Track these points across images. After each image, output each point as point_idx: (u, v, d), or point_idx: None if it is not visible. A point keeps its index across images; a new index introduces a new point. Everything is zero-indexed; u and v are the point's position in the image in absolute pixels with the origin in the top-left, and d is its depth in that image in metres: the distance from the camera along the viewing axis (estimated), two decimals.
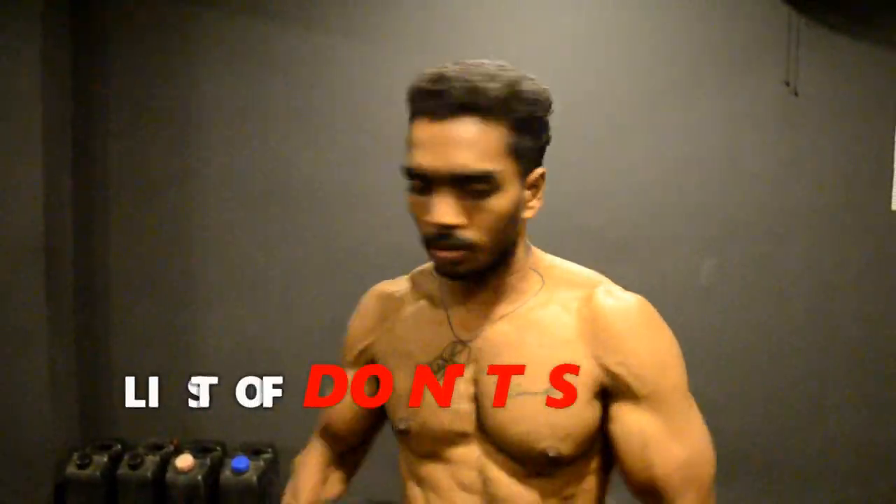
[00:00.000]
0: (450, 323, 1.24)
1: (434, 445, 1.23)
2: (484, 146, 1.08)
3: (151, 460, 3.26)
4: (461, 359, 1.21)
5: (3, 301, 3.29)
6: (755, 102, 3.31)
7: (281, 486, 3.40)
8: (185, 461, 3.22)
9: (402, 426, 1.26)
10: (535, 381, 1.15)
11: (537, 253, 1.26)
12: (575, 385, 1.16)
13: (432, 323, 1.26)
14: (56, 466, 3.31)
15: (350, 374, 1.42)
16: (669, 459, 1.17)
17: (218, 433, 3.46)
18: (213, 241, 3.49)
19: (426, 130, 1.09)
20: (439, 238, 1.11)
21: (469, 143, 1.07)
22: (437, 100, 1.08)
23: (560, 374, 1.15)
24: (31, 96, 3.24)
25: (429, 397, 1.22)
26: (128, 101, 3.48)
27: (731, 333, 3.41)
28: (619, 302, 1.19)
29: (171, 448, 3.35)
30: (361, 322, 1.40)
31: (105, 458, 3.27)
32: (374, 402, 1.39)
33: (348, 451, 1.49)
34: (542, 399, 1.15)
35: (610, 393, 1.18)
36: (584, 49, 3.35)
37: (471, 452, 1.21)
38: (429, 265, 1.33)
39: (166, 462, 3.26)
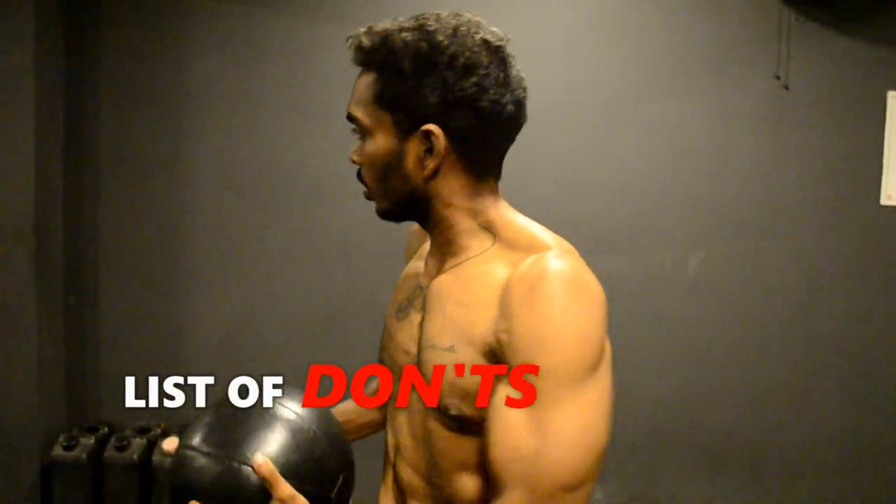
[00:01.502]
0: (425, 267, 1.29)
1: (395, 379, 1.28)
2: (359, 94, 1.18)
3: (138, 443, 3.27)
4: (417, 303, 1.24)
5: None
6: (746, 96, 3.33)
7: None
8: (171, 443, 3.19)
9: (378, 357, 1.33)
10: (443, 337, 1.13)
11: (502, 214, 1.21)
12: (471, 347, 1.10)
13: (417, 266, 1.34)
14: (42, 448, 3.31)
15: None
16: (510, 447, 1.03)
17: None
18: (202, 225, 3.49)
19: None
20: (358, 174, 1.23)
21: (356, 90, 1.19)
22: (353, 53, 1.19)
23: (461, 334, 1.12)
24: (22, 78, 3.23)
25: (394, 334, 1.28)
26: (120, 85, 3.48)
27: (717, 326, 3.43)
28: (537, 268, 1.07)
29: (158, 432, 3.35)
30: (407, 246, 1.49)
31: (91, 441, 3.27)
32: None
33: None
34: (446, 356, 1.12)
35: (496, 357, 1.08)
36: (575, 43, 3.36)
37: (418, 400, 1.20)
38: None
39: (153, 445, 3.27)
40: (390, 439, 1.30)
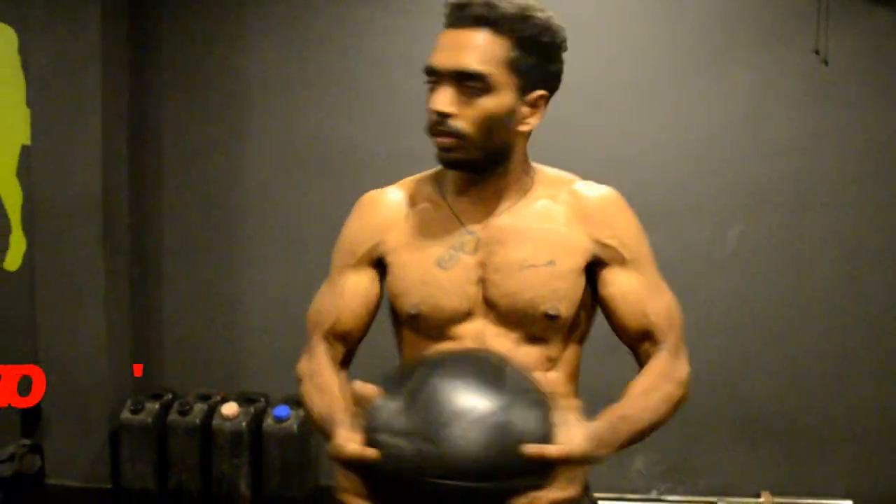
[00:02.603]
0: (458, 218, 1.43)
1: (442, 325, 1.41)
2: (487, 53, 1.31)
3: (199, 408, 3.46)
4: (469, 247, 1.41)
5: (62, 256, 3.50)
6: (785, 71, 3.37)
7: (320, 438, 3.58)
8: (230, 408, 3.40)
9: (413, 310, 1.42)
10: (538, 256, 1.39)
11: (531, 163, 1.49)
12: (572, 257, 1.40)
13: (440, 219, 1.44)
14: (111, 413, 3.52)
15: (352, 275, 1.49)
16: (659, 307, 1.44)
17: (262, 386, 3.63)
18: (259, 202, 3.66)
19: (446, 37, 1.35)
20: (437, 125, 1.33)
21: (475, 47, 1.31)
22: (460, 12, 1.33)
23: (561, 248, 1.40)
24: (89, 64, 3.43)
25: (442, 282, 1.40)
26: (180, 69, 3.66)
27: (756, 300, 3.48)
28: (600, 190, 1.48)
29: (219, 398, 3.53)
30: (363, 224, 1.51)
31: (156, 406, 3.48)
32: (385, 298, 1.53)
33: (349, 352, 1.52)
34: (546, 270, 1.38)
35: (602, 262, 1.43)
36: (615, 20, 3.44)
37: (473, 327, 1.40)
38: (421, 174, 1.54)
39: (213, 410, 3.46)
40: None
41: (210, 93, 3.65)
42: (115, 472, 3.50)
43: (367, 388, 1.15)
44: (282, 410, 3.39)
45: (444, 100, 1.32)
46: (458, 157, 1.36)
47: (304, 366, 1.48)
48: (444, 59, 1.32)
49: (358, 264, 1.49)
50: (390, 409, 1.09)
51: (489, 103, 1.33)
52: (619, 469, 3.58)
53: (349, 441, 1.11)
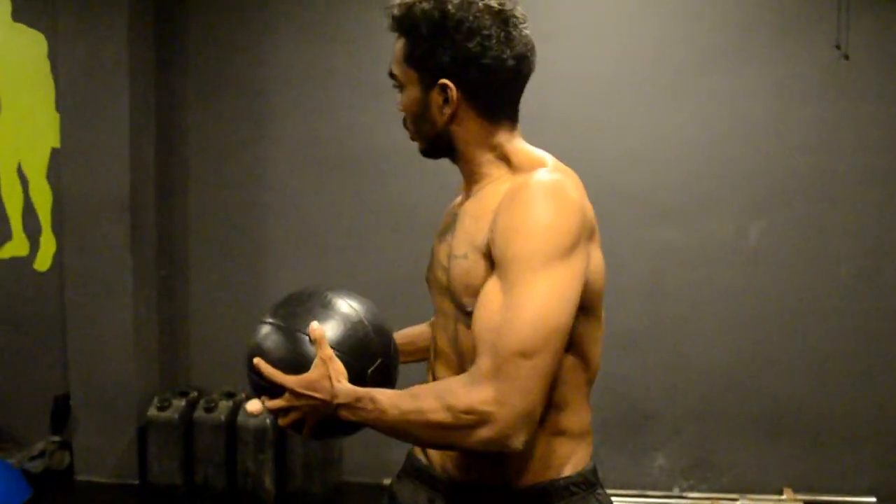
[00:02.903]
0: (459, 197, 1.50)
1: (434, 296, 1.48)
2: (395, 55, 1.41)
3: (225, 405, 3.51)
4: (452, 227, 1.44)
5: (92, 255, 3.57)
6: (806, 66, 3.37)
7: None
8: (255, 405, 3.39)
9: (425, 276, 1.54)
10: (461, 247, 1.35)
11: (515, 146, 1.40)
12: (476, 250, 1.31)
13: (457, 197, 1.53)
14: (139, 409, 3.58)
15: None
16: (486, 320, 1.22)
17: None
18: (283, 201, 3.71)
19: None
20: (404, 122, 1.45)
21: (394, 52, 1.42)
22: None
23: (470, 242, 1.33)
24: (117, 68, 3.51)
25: (432, 256, 1.49)
26: (205, 72, 3.72)
27: (779, 295, 3.48)
28: (524, 179, 1.29)
29: (243, 396, 3.58)
30: None
31: (183, 403, 3.53)
32: None
33: None
34: (462, 262, 1.33)
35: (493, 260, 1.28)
36: (636, 19, 3.45)
37: (440, 301, 1.44)
38: None
39: (238, 407, 3.51)
40: (431, 345, 1.50)
41: (234, 95, 3.71)
42: (143, 468, 3.55)
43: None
44: None
45: (397, 100, 1.45)
46: (421, 149, 1.47)
47: None
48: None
49: None
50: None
51: (404, 99, 1.43)
52: (640, 466, 3.59)
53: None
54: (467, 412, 1.18)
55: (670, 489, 3.57)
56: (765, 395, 3.52)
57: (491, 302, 1.23)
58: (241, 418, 3.46)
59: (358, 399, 1.27)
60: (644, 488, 3.56)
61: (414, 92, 1.40)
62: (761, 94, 3.41)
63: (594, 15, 3.45)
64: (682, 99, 3.46)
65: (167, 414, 3.49)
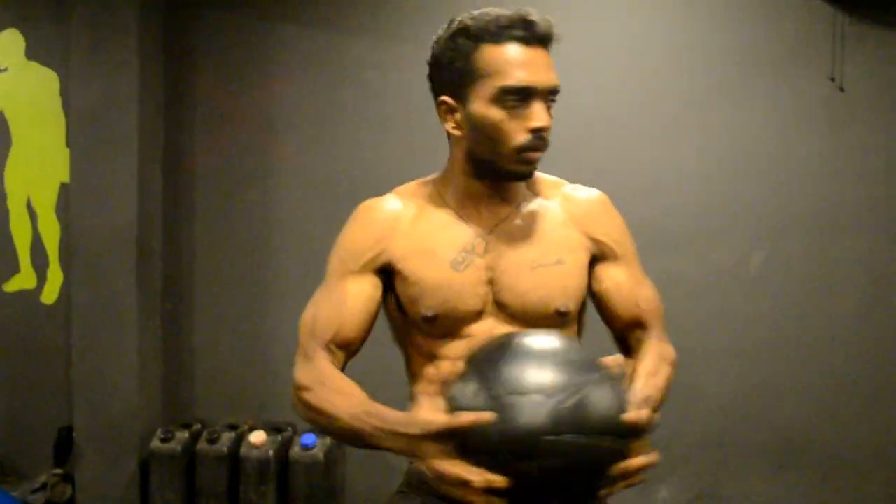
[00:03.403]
0: (466, 223, 1.50)
1: (455, 325, 1.47)
2: (553, 68, 1.45)
3: (228, 436, 3.51)
4: (480, 249, 1.48)
5: (98, 288, 3.60)
6: (802, 98, 3.43)
7: (346, 464, 3.61)
8: (258, 437, 3.45)
9: (429, 313, 1.46)
10: (547, 256, 1.47)
11: None
12: (575, 254, 1.51)
13: (449, 224, 1.50)
14: (141, 442, 3.58)
15: (354, 282, 1.51)
16: (647, 298, 1.58)
17: (290, 416, 3.67)
18: (289, 235, 3.75)
19: (521, 53, 1.39)
20: (536, 140, 1.40)
21: (552, 66, 1.44)
22: (528, 30, 1.39)
23: (566, 248, 1.50)
24: (127, 103, 3.57)
25: (455, 285, 1.46)
26: (213, 108, 3.80)
27: (782, 325, 3.48)
28: (590, 192, 1.60)
29: (246, 427, 3.58)
30: (366, 232, 1.54)
31: (186, 435, 3.53)
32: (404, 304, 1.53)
33: (346, 360, 1.53)
34: (555, 268, 1.48)
35: (597, 258, 1.55)
36: (638, 55, 3.52)
37: (484, 325, 1.47)
38: (414, 182, 1.60)
39: (241, 439, 3.50)
40: (430, 369, 1.50)
41: (240, 130, 3.78)
42: (145, 501, 3.54)
43: (444, 366, 1.25)
44: (308, 438, 3.43)
45: (546, 116, 1.42)
46: (533, 169, 1.48)
47: (304, 373, 1.44)
48: (541, 78, 1.40)
49: (361, 272, 1.51)
50: (468, 391, 1.14)
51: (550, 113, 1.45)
52: (642, 498, 3.55)
53: (439, 414, 1.15)
54: (675, 363, 1.56)
55: None
56: (772, 425, 3.50)
57: (633, 283, 1.57)
58: (243, 450, 3.44)
59: (654, 400, 1.40)
60: None
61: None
62: (760, 126, 3.46)
63: (596, 52, 3.52)
64: (684, 133, 3.51)
65: (170, 446, 3.49)
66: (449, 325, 1.47)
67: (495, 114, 1.39)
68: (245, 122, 3.78)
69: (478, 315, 1.47)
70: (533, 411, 1.09)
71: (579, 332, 1.60)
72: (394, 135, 3.66)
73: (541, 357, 1.16)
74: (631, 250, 1.59)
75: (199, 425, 3.61)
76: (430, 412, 1.16)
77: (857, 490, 3.45)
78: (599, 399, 1.13)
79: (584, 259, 1.52)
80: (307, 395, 1.41)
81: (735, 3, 3.46)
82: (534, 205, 1.53)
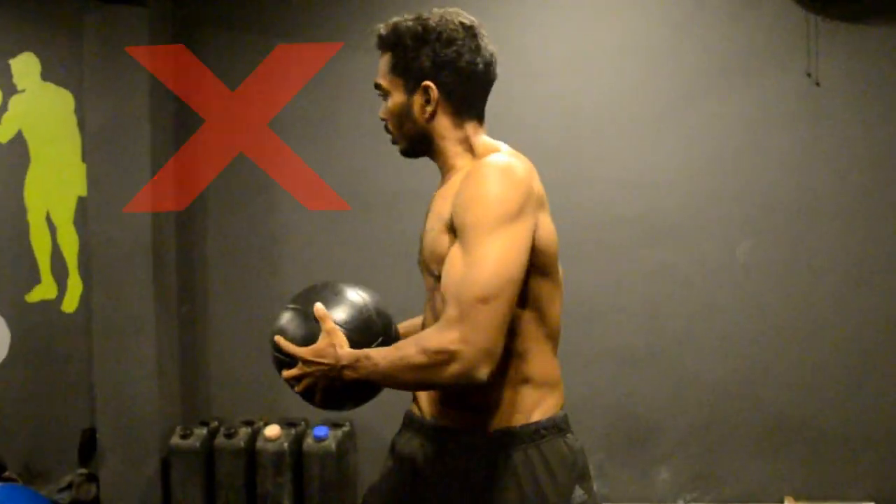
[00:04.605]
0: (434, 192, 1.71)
1: (423, 277, 1.70)
2: (381, 69, 1.69)
3: (244, 432, 3.67)
4: (428, 211, 1.69)
5: (117, 296, 3.78)
6: (779, 94, 3.61)
7: (357, 457, 3.76)
8: (272, 430, 3.61)
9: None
10: (431, 223, 1.62)
11: (480, 139, 1.68)
12: (442, 223, 1.57)
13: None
14: (162, 440, 3.74)
15: None
16: (451, 276, 1.47)
17: (302, 412, 3.83)
18: (296, 243, 3.93)
19: None
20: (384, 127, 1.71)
21: (379, 67, 1.69)
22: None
23: (437, 218, 1.60)
24: (140, 121, 3.76)
25: (419, 240, 1.70)
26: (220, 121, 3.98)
27: (770, 310, 3.65)
28: (482, 161, 1.56)
29: (262, 423, 3.74)
30: None
31: (204, 431, 3.70)
32: None
33: None
34: (430, 234, 1.60)
35: (455, 228, 1.54)
36: (622, 57, 3.71)
37: (429, 280, 1.65)
38: None
39: (257, 433, 3.67)
40: (423, 321, 1.77)
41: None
42: (167, 496, 3.70)
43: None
44: (321, 431, 3.59)
45: (381, 109, 1.71)
46: (402, 149, 1.73)
47: None
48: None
49: None
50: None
51: (390, 105, 1.68)
52: (645, 479, 3.71)
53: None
54: (438, 352, 1.41)
55: (675, 502, 3.69)
56: (763, 407, 3.66)
57: (454, 262, 1.47)
58: (259, 444, 3.61)
59: (357, 359, 1.53)
60: (649, 501, 3.68)
61: (399, 97, 1.66)
62: (741, 120, 3.64)
63: (583, 53, 3.71)
64: (669, 129, 3.69)
65: (189, 442, 3.65)
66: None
67: None
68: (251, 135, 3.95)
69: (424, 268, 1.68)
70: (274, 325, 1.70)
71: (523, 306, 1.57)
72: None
73: (321, 291, 1.70)
74: (469, 223, 1.46)
75: (217, 422, 3.78)
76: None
77: (846, 466, 3.61)
78: (287, 325, 1.66)
79: (441, 228, 1.55)
80: None
81: (712, 4, 3.64)
82: (458, 174, 1.61)
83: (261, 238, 3.97)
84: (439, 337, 1.42)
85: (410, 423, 1.77)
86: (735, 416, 3.67)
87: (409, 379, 1.48)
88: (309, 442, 3.60)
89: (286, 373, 1.62)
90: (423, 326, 1.73)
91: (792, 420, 3.64)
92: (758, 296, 3.65)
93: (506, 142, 1.69)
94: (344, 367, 1.54)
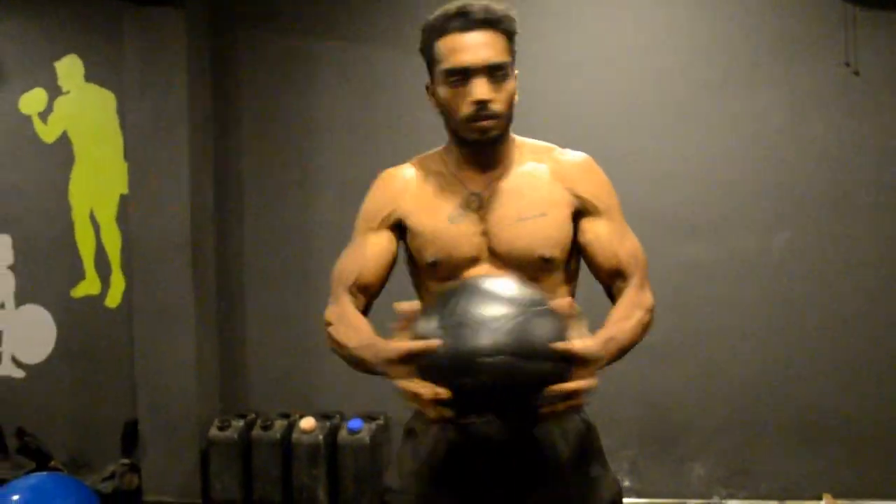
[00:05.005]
0: (463, 184, 1.73)
1: (454, 270, 1.68)
2: (499, 47, 1.63)
3: (280, 424, 3.74)
4: (474, 206, 1.70)
5: (157, 291, 3.87)
6: (817, 83, 3.55)
7: (390, 445, 3.80)
8: (308, 423, 3.67)
9: (431, 259, 1.70)
10: (532, 209, 1.67)
11: (520, 138, 1.77)
12: (560, 209, 1.69)
13: (449, 185, 1.74)
14: (201, 431, 3.83)
15: (372, 236, 1.78)
16: (627, 248, 1.70)
17: (337, 405, 3.90)
18: (329, 236, 3.96)
19: (458, 40, 1.62)
20: (480, 111, 1.61)
21: (492, 44, 1.62)
22: (464, 19, 1.61)
23: (550, 203, 1.68)
24: (178, 119, 3.85)
25: (453, 235, 1.69)
26: (258, 120, 4.05)
27: (806, 304, 3.59)
28: (576, 155, 1.75)
29: (298, 416, 3.80)
30: (382, 195, 1.81)
31: (241, 423, 3.77)
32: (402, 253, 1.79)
33: (368, 303, 1.79)
34: (539, 220, 1.66)
35: (580, 212, 1.70)
36: (655, 47, 3.68)
37: (480, 270, 1.67)
38: (425, 154, 1.84)
39: (293, 426, 3.73)
40: None
41: (284, 142, 4.02)
42: (205, 485, 3.78)
43: (409, 305, 1.44)
44: (355, 423, 3.64)
45: (485, 90, 1.61)
46: (495, 134, 1.65)
47: (331, 312, 1.75)
48: (474, 57, 1.60)
49: (378, 228, 1.78)
50: (430, 324, 1.37)
51: (510, 86, 1.65)
52: (679, 476, 3.69)
53: (404, 342, 1.39)
54: (652, 309, 1.66)
55: (710, 498, 3.65)
56: (800, 402, 3.61)
57: (614, 236, 1.69)
58: (295, 436, 3.68)
59: (606, 341, 1.50)
60: (684, 497, 3.66)
61: (512, 80, 1.66)
62: (778, 111, 3.59)
63: (612, 44, 3.69)
64: (702, 120, 3.65)
65: (227, 434, 3.73)
66: (449, 269, 1.68)
67: (445, 92, 1.65)
68: (287, 134, 4.02)
69: (473, 261, 1.68)
70: (474, 336, 1.30)
71: (569, 281, 1.74)
72: (423, 142, 3.84)
73: (488, 294, 1.37)
74: (613, 206, 1.72)
75: (254, 415, 3.85)
76: (397, 341, 1.41)
77: (886, 463, 3.54)
78: (535, 328, 1.32)
79: (566, 213, 1.68)
80: (331, 330, 1.72)
81: None
82: (526, 167, 1.71)
83: (297, 233, 4.03)
84: (649, 295, 1.68)
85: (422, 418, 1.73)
86: (770, 411, 3.63)
87: (639, 339, 1.62)
88: (343, 434, 3.66)
89: (583, 383, 1.36)
90: None
91: (830, 416, 3.58)
92: (792, 290, 3.60)
93: (536, 136, 1.78)
94: (602, 355, 1.47)
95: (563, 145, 1.78)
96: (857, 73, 3.52)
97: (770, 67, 3.58)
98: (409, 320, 1.43)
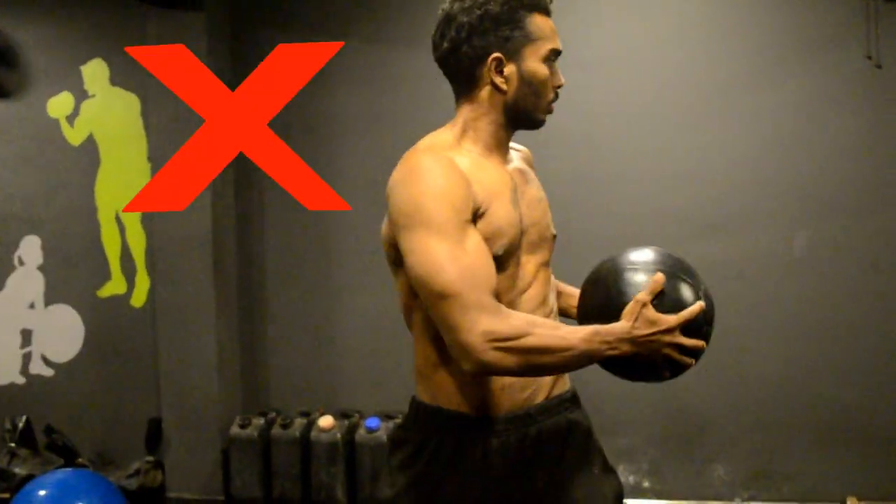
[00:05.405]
0: (496, 168, 1.64)
1: (511, 259, 1.59)
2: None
3: (300, 422, 3.77)
4: (519, 190, 1.65)
5: (180, 290, 3.93)
6: (839, 78, 3.48)
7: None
8: (326, 421, 3.70)
9: (501, 251, 1.55)
10: (541, 191, 1.74)
11: None
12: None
13: (493, 168, 1.62)
14: (222, 429, 3.87)
15: (472, 231, 1.51)
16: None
17: (356, 403, 3.92)
18: (350, 236, 4.00)
19: (551, 22, 1.66)
20: (556, 96, 1.66)
21: (556, 32, 1.67)
22: (549, 3, 1.66)
23: (539, 183, 1.76)
24: (201, 122, 3.86)
25: (517, 221, 1.60)
26: (277, 122, 4.07)
27: (828, 304, 3.53)
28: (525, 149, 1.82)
29: (317, 414, 3.83)
30: (461, 182, 1.53)
31: (262, 422, 3.81)
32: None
33: None
34: (545, 200, 1.73)
35: None
36: (673, 43, 3.65)
37: (521, 256, 1.62)
38: (436, 140, 1.67)
39: (312, 424, 3.76)
40: (541, 296, 1.69)
41: (302, 142, 4.03)
42: (227, 482, 3.83)
43: (662, 277, 1.55)
44: (373, 422, 3.66)
45: (560, 76, 1.66)
46: (544, 118, 1.68)
47: (507, 324, 1.45)
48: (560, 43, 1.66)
49: (470, 220, 1.52)
50: (685, 291, 1.58)
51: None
52: (701, 477, 3.64)
53: (665, 315, 1.51)
54: None
55: (732, 499, 3.60)
56: (822, 403, 3.55)
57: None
58: (314, 434, 3.71)
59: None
60: (705, 499, 3.61)
61: None
62: (797, 107, 3.53)
63: (631, 41, 3.66)
64: (721, 117, 3.61)
65: (248, 432, 3.77)
66: (510, 259, 1.58)
67: (545, 70, 1.62)
68: (306, 133, 4.04)
69: (541, 244, 1.68)
70: (712, 297, 1.62)
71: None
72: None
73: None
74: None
75: (274, 413, 3.89)
76: (656, 315, 1.50)
77: None
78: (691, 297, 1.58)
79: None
80: (525, 340, 1.44)
81: None
82: (512, 153, 1.72)
83: (318, 232, 4.06)
84: None
85: (514, 422, 1.63)
86: (793, 413, 3.57)
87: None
88: (361, 433, 3.68)
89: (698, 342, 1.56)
90: (542, 301, 1.68)
91: (854, 417, 3.51)
92: (815, 289, 3.54)
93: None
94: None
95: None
96: (879, 67, 3.45)
97: (791, 62, 3.53)
98: (648, 294, 1.51)
